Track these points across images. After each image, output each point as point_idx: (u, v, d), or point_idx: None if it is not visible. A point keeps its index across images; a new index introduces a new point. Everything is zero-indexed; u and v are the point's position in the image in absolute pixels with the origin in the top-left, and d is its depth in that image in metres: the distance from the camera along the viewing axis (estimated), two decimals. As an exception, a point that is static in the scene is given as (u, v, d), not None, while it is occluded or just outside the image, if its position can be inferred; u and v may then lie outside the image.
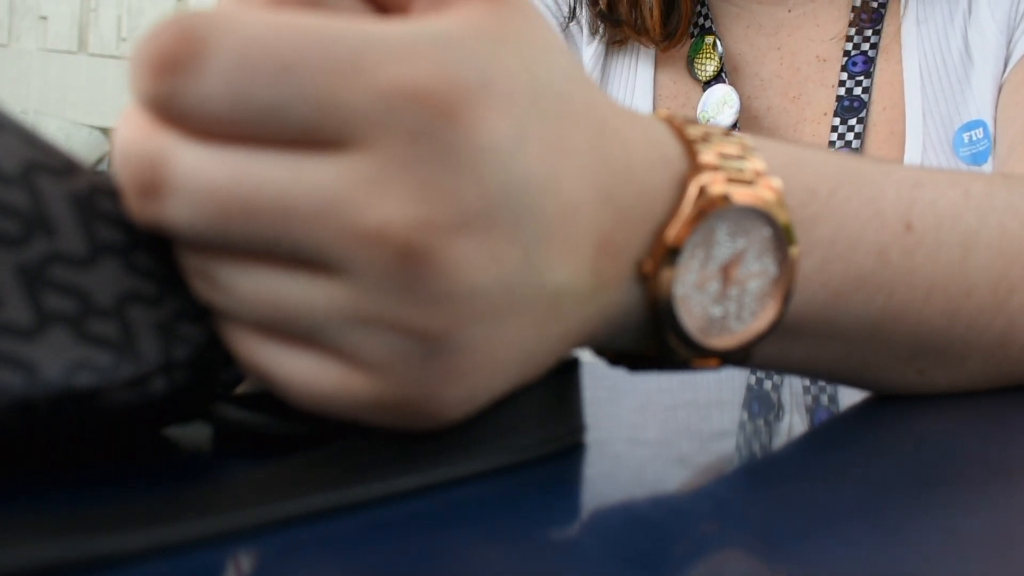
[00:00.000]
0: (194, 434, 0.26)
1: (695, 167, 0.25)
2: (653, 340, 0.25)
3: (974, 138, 0.70)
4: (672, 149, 0.25)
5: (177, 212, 0.20)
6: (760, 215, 0.26)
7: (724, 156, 0.25)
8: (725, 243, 0.25)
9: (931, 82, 0.72)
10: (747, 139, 0.27)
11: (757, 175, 0.26)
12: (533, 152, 0.21)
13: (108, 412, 0.21)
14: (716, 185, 0.25)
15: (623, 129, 0.24)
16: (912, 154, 0.71)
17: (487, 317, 0.20)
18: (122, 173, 0.21)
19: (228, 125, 0.19)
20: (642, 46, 0.77)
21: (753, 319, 0.26)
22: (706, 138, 0.26)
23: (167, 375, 0.21)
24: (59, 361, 0.20)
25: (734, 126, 0.73)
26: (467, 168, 0.19)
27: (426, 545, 0.19)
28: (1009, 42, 0.70)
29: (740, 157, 0.26)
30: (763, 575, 0.18)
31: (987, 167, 0.70)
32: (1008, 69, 0.70)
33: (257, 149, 0.19)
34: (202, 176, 0.20)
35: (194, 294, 0.22)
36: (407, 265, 0.19)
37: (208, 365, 0.22)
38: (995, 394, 0.36)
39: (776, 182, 0.26)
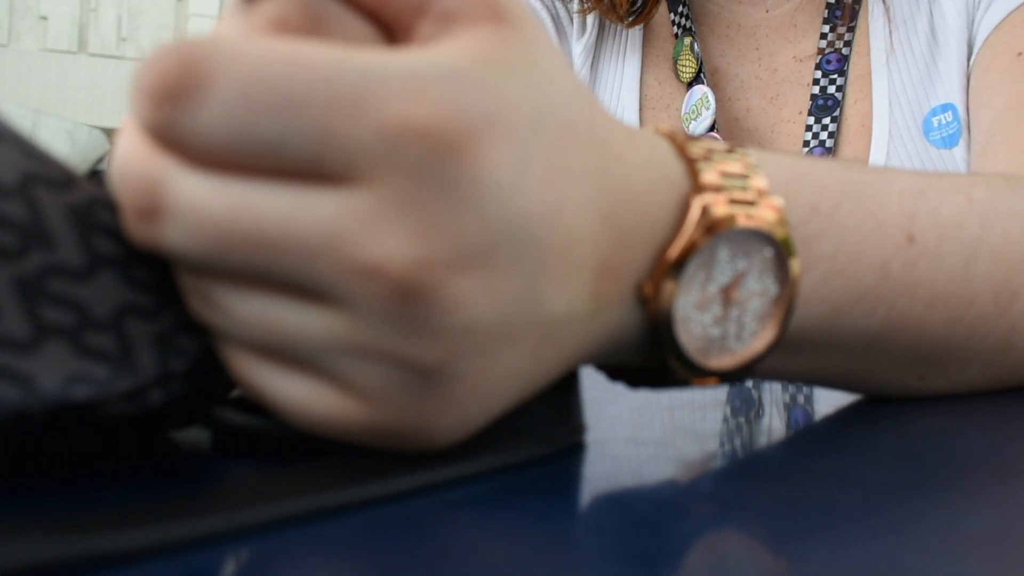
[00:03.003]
0: (193, 436, 0.26)
1: (697, 187, 0.24)
2: (652, 359, 0.25)
3: (943, 122, 0.70)
4: (674, 168, 0.25)
5: (174, 237, 0.20)
6: (762, 236, 0.25)
7: (726, 175, 0.25)
8: (726, 265, 0.25)
9: (898, 68, 0.72)
10: (750, 155, 0.27)
11: (759, 195, 0.26)
12: (535, 184, 0.20)
13: (105, 424, 0.21)
14: (718, 207, 0.24)
15: (625, 150, 0.24)
16: (879, 143, 0.71)
17: (484, 349, 0.20)
18: (121, 193, 0.21)
19: (228, 156, 0.19)
20: (627, 49, 0.77)
21: (753, 339, 0.26)
22: (708, 156, 0.25)
23: (164, 387, 0.21)
24: (56, 374, 0.20)
25: (712, 127, 0.73)
26: (468, 205, 0.19)
27: (426, 545, 0.19)
28: (970, 24, 0.70)
29: (743, 176, 0.26)
30: (764, 575, 0.18)
31: (958, 150, 0.70)
32: (974, 53, 0.69)
33: (257, 180, 0.19)
34: (201, 204, 0.19)
35: (191, 313, 0.22)
36: (405, 301, 0.19)
37: (205, 376, 0.22)
38: (995, 394, 0.36)
39: (778, 201, 0.26)
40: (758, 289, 0.26)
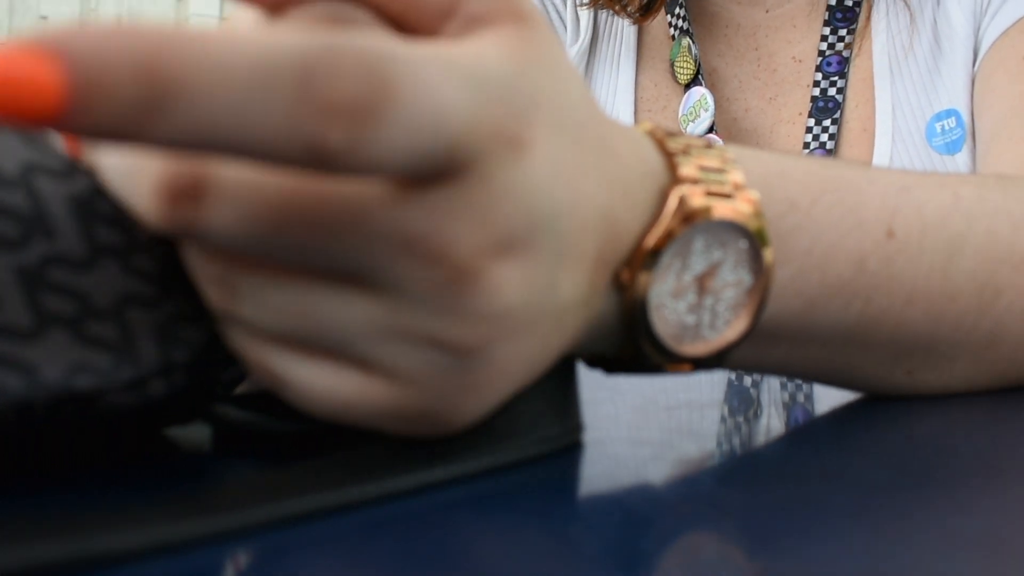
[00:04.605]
0: (194, 434, 0.26)
1: (675, 180, 0.25)
2: (628, 345, 0.26)
3: (946, 127, 0.70)
4: (655, 162, 0.25)
5: (218, 219, 0.19)
6: (737, 228, 0.26)
7: (704, 169, 0.26)
8: (701, 255, 0.26)
9: (901, 73, 0.72)
10: (729, 151, 0.27)
11: (736, 188, 0.26)
12: (564, 179, 0.21)
13: (107, 414, 0.21)
14: (695, 198, 0.25)
15: (618, 145, 0.24)
16: (881, 148, 0.71)
17: (513, 333, 0.21)
18: (144, 172, 0.20)
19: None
20: (622, 53, 0.77)
21: (726, 327, 0.27)
22: (686, 151, 0.26)
23: (166, 377, 0.21)
24: (58, 363, 0.20)
25: (711, 128, 0.73)
26: (518, 196, 0.20)
27: (425, 545, 0.19)
28: (977, 30, 0.70)
29: (720, 170, 0.26)
30: (762, 575, 0.18)
31: (961, 156, 0.70)
32: (979, 58, 0.70)
33: None
34: (252, 183, 0.19)
35: (208, 302, 0.21)
36: (455, 285, 0.20)
37: (207, 367, 0.22)
38: (992, 395, 0.36)
39: (754, 194, 0.26)
40: (732, 280, 0.26)
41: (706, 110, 0.73)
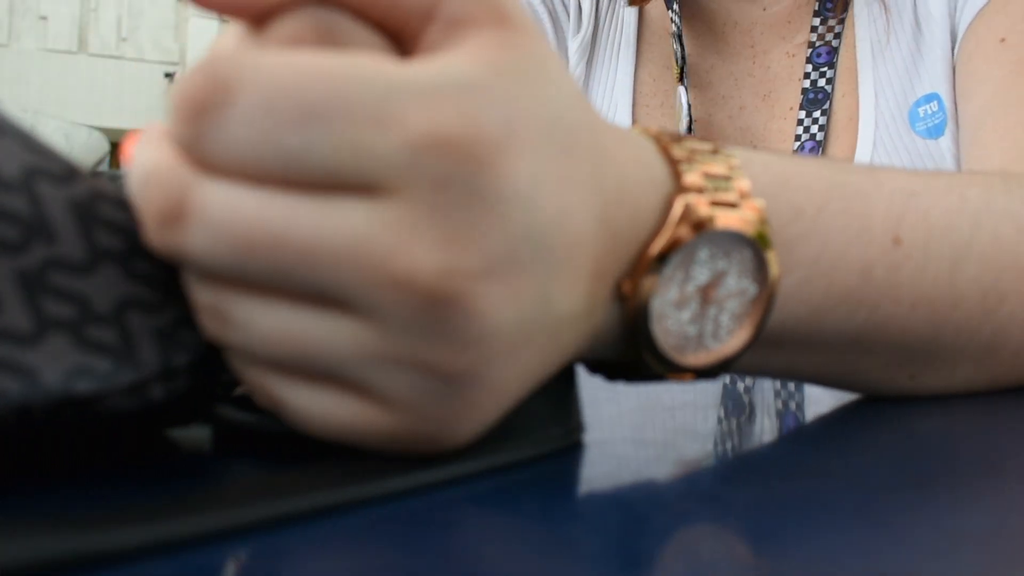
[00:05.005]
0: (194, 435, 0.26)
1: (679, 188, 0.25)
2: (629, 354, 0.26)
3: (928, 112, 0.70)
4: (659, 169, 0.25)
5: (198, 242, 0.20)
6: (742, 238, 0.26)
7: (709, 176, 0.25)
8: (705, 264, 0.25)
9: (884, 60, 0.71)
10: (735, 156, 0.27)
11: (742, 196, 0.26)
12: (549, 190, 0.21)
13: (107, 418, 0.21)
14: (700, 207, 0.25)
15: (617, 152, 0.24)
16: (865, 135, 0.70)
17: (505, 353, 0.21)
18: (143, 198, 0.21)
19: (253, 168, 0.19)
20: (622, 46, 0.77)
21: (729, 337, 0.27)
22: (691, 158, 0.26)
23: (166, 382, 0.21)
24: (58, 367, 0.20)
25: (689, 128, 0.73)
26: (492, 214, 0.20)
27: (425, 544, 0.19)
28: (952, 12, 0.69)
29: (726, 177, 0.26)
30: (763, 574, 0.18)
31: (944, 140, 0.70)
32: (958, 42, 0.69)
33: (284, 190, 0.20)
34: (227, 208, 0.19)
35: (203, 330, 0.22)
36: (433, 310, 0.19)
37: (207, 371, 0.22)
38: (992, 394, 0.36)
39: (760, 203, 0.26)
40: (736, 289, 0.26)
41: (682, 108, 0.73)
